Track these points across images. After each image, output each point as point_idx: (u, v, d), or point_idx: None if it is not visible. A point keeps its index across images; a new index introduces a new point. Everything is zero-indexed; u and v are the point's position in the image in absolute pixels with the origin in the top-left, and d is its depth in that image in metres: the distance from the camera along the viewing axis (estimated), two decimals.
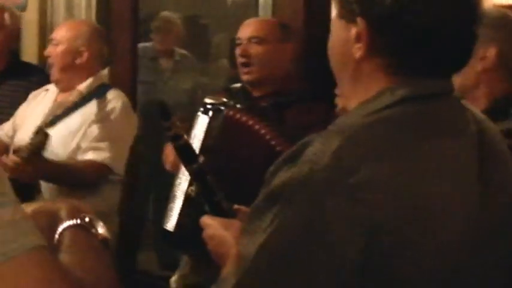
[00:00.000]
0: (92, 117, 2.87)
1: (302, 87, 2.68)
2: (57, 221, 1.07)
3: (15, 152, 2.71)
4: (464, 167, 1.21)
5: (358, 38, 1.21)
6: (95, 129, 2.84)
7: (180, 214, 2.05)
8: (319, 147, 1.11)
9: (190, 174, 1.75)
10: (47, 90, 3.18)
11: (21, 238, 0.90)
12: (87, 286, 0.95)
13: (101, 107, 2.90)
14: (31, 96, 3.21)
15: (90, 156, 2.82)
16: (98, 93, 2.95)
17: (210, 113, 2.21)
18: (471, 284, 1.19)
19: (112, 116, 2.90)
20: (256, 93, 2.64)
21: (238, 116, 2.23)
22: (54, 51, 3.00)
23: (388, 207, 1.09)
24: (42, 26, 4.36)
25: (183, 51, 4.50)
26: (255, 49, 2.57)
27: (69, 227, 1.06)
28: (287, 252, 1.09)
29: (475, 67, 1.94)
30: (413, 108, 1.19)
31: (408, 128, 1.18)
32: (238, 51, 2.63)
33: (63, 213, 1.08)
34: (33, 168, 2.64)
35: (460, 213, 1.18)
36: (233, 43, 2.81)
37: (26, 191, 2.63)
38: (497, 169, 1.26)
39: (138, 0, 3.82)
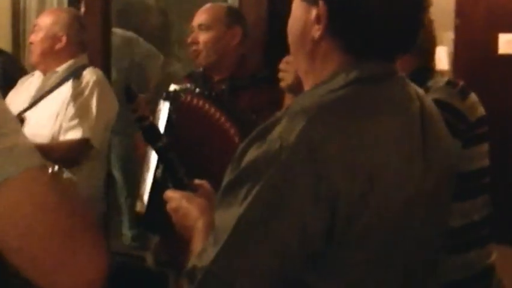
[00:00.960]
0: (68, 96, 2.97)
1: (259, 69, 2.78)
2: None
3: None
4: (411, 141, 1.30)
5: (317, 20, 1.29)
6: (71, 108, 2.94)
7: (149, 197, 2.13)
8: (287, 126, 1.19)
9: (155, 152, 1.85)
10: (33, 75, 3.27)
11: (22, 159, 1.03)
12: (78, 202, 1.09)
13: (76, 85, 3.01)
14: (19, 82, 3.30)
15: (69, 136, 2.92)
16: (75, 73, 3.04)
17: (171, 100, 2.33)
18: (414, 241, 1.31)
19: (86, 91, 3.00)
20: (215, 77, 2.76)
21: (194, 101, 2.33)
22: (35, 38, 3.10)
23: (347, 180, 1.18)
24: (16, 13, 4.41)
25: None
26: (202, 36, 2.69)
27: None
28: (262, 222, 1.17)
29: None
30: (365, 88, 1.29)
31: (362, 106, 1.27)
32: (189, 38, 2.76)
33: None
34: None
35: (405, 180, 1.27)
36: None
37: None
38: (435, 143, 1.37)
39: None
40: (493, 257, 2.15)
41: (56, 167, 1.21)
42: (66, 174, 1.24)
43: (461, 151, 2.02)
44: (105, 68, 3.78)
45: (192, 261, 1.24)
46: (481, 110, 2.17)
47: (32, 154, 1.06)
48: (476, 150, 2.11)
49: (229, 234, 1.19)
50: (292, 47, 1.38)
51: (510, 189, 6.07)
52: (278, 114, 1.25)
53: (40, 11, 4.36)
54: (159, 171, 2.12)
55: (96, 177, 3.06)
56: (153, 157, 2.16)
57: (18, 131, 1.08)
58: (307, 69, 1.35)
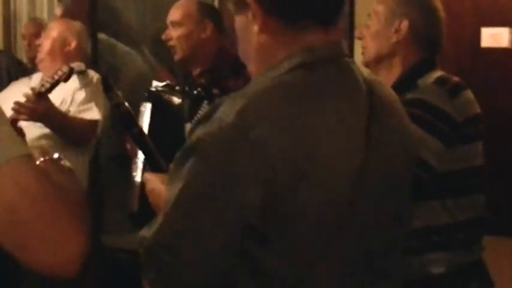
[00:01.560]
0: (76, 86, 3.15)
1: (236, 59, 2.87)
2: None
3: (33, 89, 2.94)
4: (353, 124, 1.34)
5: (254, 17, 1.37)
6: (80, 95, 3.20)
7: (140, 195, 2.21)
8: (227, 108, 1.27)
9: (131, 137, 1.97)
10: (30, 78, 3.45)
11: (6, 149, 1.11)
12: (65, 189, 1.17)
13: (82, 78, 3.26)
14: (12, 84, 3.46)
15: (86, 116, 3.18)
16: (77, 72, 3.22)
17: (152, 99, 2.47)
18: (359, 224, 1.34)
19: (94, 81, 3.25)
20: (194, 71, 2.86)
21: (165, 96, 2.47)
22: (44, 39, 3.32)
23: (281, 161, 1.24)
24: (6, 17, 4.52)
25: None
26: (175, 33, 2.82)
27: (42, 161, 1.28)
28: (201, 194, 1.26)
29: (390, 38, 2.14)
30: (307, 73, 1.33)
31: (302, 90, 1.32)
32: (163, 35, 2.91)
33: (36, 153, 1.29)
34: (42, 107, 2.86)
35: (346, 162, 1.31)
36: None
37: None
38: (384, 124, 1.39)
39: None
40: (478, 256, 2.16)
41: (56, 155, 1.31)
42: (64, 162, 1.32)
43: (444, 150, 2.01)
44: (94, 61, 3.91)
45: (142, 232, 1.33)
46: (473, 109, 2.13)
47: (16, 144, 1.15)
48: (462, 150, 2.08)
49: (170, 206, 1.27)
50: (243, 52, 1.45)
51: (496, 182, 6.21)
52: (223, 97, 1.33)
53: (31, 14, 4.48)
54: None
55: (80, 166, 3.19)
56: (141, 157, 2.27)
57: (2, 123, 1.15)
58: (256, 65, 1.42)
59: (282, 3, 1.34)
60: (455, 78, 2.16)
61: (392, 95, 1.50)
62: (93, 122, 3.15)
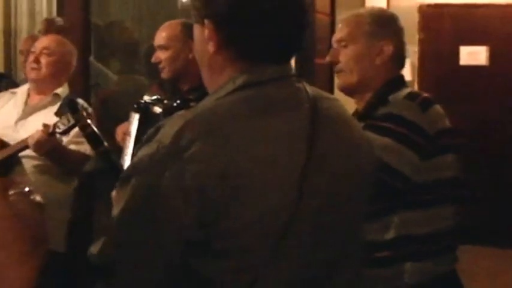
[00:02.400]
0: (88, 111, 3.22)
1: None
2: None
3: (45, 126, 2.99)
4: (292, 141, 1.33)
5: (210, 37, 1.37)
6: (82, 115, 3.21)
7: None
8: (167, 129, 1.29)
9: (97, 155, 2.12)
10: (14, 93, 3.50)
11: None
12: (24, 219, 1.22)
13: (82, 107, 3.27)
14: None
15: (81, 149, 3.19)
16: (72, 97, 3.32)
17: (141, 111, 2.64)
18: (297, 236, 1.33)
19: (91, 117, 3.27)
20: (183, 87, 2.97)
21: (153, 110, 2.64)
22: (45, 59, 3.36)
23: (213, 178, 1.25)
24: (7, 33, 4.65)
25: None
26: (163, 55, 2.96)
27: (12, 194, 1.27)
28: (139, 215, 1.30)
29: (374, 61, 2.16)
30: (249, 93, 1.34)
31: (240, 110, 1.32)
32: (153, 58, 3.01)
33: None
34: (49, 145, 3.01)
35: (283, 182, 1.31)
36: None
37: (8, 162, 3.03)
38: (328, 140, 1.38)
39: (90, 11, 4.16)
40: (452, 266, 2.19)
41: (27, 189, 1.33)
42: (36, 197, 1.37)
43: (419, 163, 2.02)
44: (85, 89, 4.06)
45: (91, 249, 1.36)
46: (444, 122, 2.13)
47: None
48: (437, 162, 2.09)
49: (115, 223, 1.32)
50: (199, 65, 1.46)
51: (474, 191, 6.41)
52: (167, 119, 1.36)
53: (31, 30, 4.62)
54: None
55: (64, 185, 3.32)
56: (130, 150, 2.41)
57: None
58: (209, 82, 1.43)
59: (239, 40, 1.36)
60: (425, 94, 2.18)
61: (342, 109, 1.49)
62: (87, 156, 3.24)
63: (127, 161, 2.50)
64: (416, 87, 6.33)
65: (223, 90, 1.37)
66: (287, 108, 1.36)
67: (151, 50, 3.15)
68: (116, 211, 1.32)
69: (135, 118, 2.67)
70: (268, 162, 1.30)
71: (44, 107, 3.32)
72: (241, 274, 1.31)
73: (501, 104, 6.06)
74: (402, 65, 2.26)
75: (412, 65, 6.04)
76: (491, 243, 5.80)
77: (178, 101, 2.68)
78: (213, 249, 1.29)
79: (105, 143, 2.08)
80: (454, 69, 6.39)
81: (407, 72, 5.79)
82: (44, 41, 3.43)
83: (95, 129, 2.16)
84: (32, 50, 3.42)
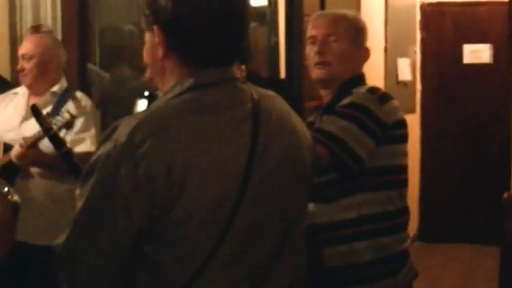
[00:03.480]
0: (73, 112, 3.28)
1: None
2: None
3: (25, 139, 3.04)
4: (235, 138, 1.44)
5: (158, 42, 1.45)
6: (77, 123, 3.23)
7: None
8: (122, 129, 1.38)
9: (60, 157, 2.19)
10: (16, 93, 3.59)
11: None
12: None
13: (77, 104, 3.33)
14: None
15: (81, 147, 3.21)
16: (68, 94, 3.38)
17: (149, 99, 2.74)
18: (243, 224, 1.42)
19: (88, 110, 3.35)
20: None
21: None
22: (27, 65, 3.42)
23: (162, 171, 1.35)
24: (13, 39, 4.73)
25: None
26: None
27: None
28: (96, 207, 1.40)
29: (355, 62, 2.35)
30: (195, 95, 1.44)
31: (186, 109, 1.42)
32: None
33: None
34: (32, 155, 3.05)
35: (228, 170, 1.41)
36: None
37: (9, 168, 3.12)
38: (269, 136, 1.48)
39: (88, 15, 4.23)
40: (406, 244, 2.34)
41: (6, 189, 1.49)
42: (14, 197, 1.51)
43: (374, 148, 2.19)
44: (81, 88, 4.13)
45: (57, 239, 1.46)
46: (399, 115, 2.32)
47: None
48: (390, 149, 2.28)
49: (76, 217, 1.43)
50: (150, 70, 1.53)
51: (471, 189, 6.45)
52: (122, 118, 1.44)
53: None
54: None
55: (62, 182, 3.32)
56: None
57: None
58: (160, 85, 1.52)
59: (184, 44, 1.45)
60: (383, 90, 2.39)
61: (283, 106, 1.60)
62: (86, 155, 3.16)
63: None
64: (418, 87, 6.39)
65: (171, 92, 1.46)
66: (230, 108, 1.46)
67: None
68: (78, 205, 1.42)
69: (142, 104, 2.74)
70: (212, 157, 1.39)
71: (44, 106, 3.39)
72: (188, 261, 1.40)
73: (506, 101, 6.11)
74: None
75: (413, 65, 6.07)
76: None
77: None
78: (161, 239, 1.39)
79: (67, 145, 2.18)
80: (458, 68, 6.45)
81: (408, 72, 5.83)
82: (21, 48, 3.48)
83: (57, 132, 2.25)
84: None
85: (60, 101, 3.33)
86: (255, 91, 1.53)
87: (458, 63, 6.46)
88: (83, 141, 3.24)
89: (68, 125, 3.00)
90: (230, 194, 1.40)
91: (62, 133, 3.24)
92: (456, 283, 5.25)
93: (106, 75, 4.50)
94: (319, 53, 2.33)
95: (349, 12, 2.48)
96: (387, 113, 2.24)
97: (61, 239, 1.45)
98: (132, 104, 2.80)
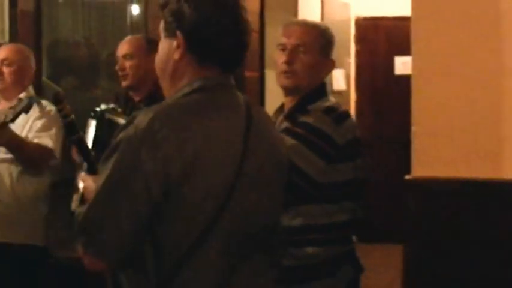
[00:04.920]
0: (35, 115, 3.52)
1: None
2: None
3: None
4: (233, 133, 1.71)
5: (178, 46, 1.72)
6: (38, 123, 3.52)
7: (81, 197, 2.34)
8: (141, 118, 1.64)
9: (72, 142, 2.42)
10: None
11: None
12: None
13: (41, 108, 3.57)
14: None
15: (36, 141, 3.49)
16: (33, 100, 3.46)
17: (96, 118, 2.96)
18: (239, 208, 1.68)
19: (51, 114, 3.56)
20: (136, 97, 3.30)
21: (108, 116, 2.98)
22: (7, 70, 3.60)
23: (177, 155, 1.61)
24: None
25: None
26: (128, 64, 3.26)
27: None
28: (119, 181, 1.62)
29: (320, 74, 2.48)
30: (202, 95, 1.71)
31: (196, 107, 1.69)
32: (117, 66, 3.33)
33: None
34: (6, 136, 3.26)
35: (226, 163, 1.67)
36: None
37: None
38: (259, 136, 1.76)
39: (41, 28, 4.43)
40: (351, 246, 2.53)
41: None
42: None
43: (325, 167, 2.33)
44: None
45: (78, 209, 1.70)
46: (354, 133, 2.45)
47: None
48: (342, 167, 2.41)
49: (99, 189, 1.65)
50: (159, 72, 1.80)
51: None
52: (138, 111, 1.72)
53: None
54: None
55: (39, 180, 3.58)
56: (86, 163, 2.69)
57: None
58: (169, 86, 1.77)
59: (202, 48, 1.72)
60: (342, 108, 2.50)
61: (266, 114, 1.91)
62: (47, 148, 3.49)
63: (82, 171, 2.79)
64: (352, 97, 6.72)
65: (181, 92, 1.72)
66: (229, 109, 1.74)
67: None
68: (100, 179, 1.65)
69: (92, 124, 2.96)
70: (215, 148, 1.66)
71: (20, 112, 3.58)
72: (189, 237, 1.64)
73: None
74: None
75: (347, 76, 6.39)
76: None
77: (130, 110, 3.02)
78: (168, 214, 1.64)
79: (80, 133, 2.41)
80: (390, 79, 6.75)
81: (342, 83, 6.17)
82: (2, 53, 3.67)
83: (73, 120, 2.46)
84: None
85: (26, 104, 3.52)
86: (245, 97, 1.80)
87: (390, 74, 6.77)
88: (44, 137, 3.47)
89: (27, 109, 3.22)
90: (228, 178, 1.66)
91: (23, 129, 3.44)
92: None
93: (58, 88, 4.70)
94: (287, 62, 2.44)
95: (321, 22, 2.65)
96: (341, 134, 2.37)
97: (82, 208, 1.67)
98: (77, 111, 3.02)
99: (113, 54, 3.58)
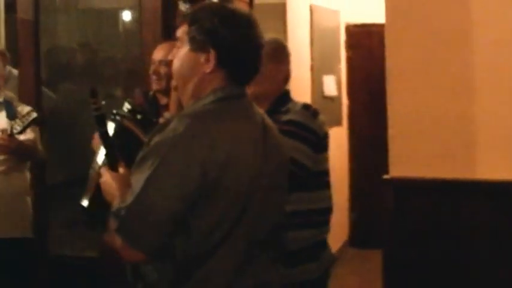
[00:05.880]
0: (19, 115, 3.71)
1: None
2: None
3: (3, 131, 3.50)
4: (255, 138, 1.91)
5: (207, 60, 1.90)
6: (32, 114, 3.66)
7: (94, 191, 2.44)
8: (177, 124, 1.82)
9: (100, 134, 2.54)
10: None
11: None
12: None
13: (21, 109, 3.75)
14: None
15: (23, 137, 3.66)
16: (10, 100, 3.79)
17: (114, 122, 3.08)
18: (258, 206, 1.89)
19: (31, 115, 3.69)
20: (162, 101, 3.43)
21: (126, 124, 3.08)
22: None
23: (211, 158, 1.79)
24: None
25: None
26: (163, 69, 3.39)
27: None
28: (161, 180, 1.79)
29: (274, 82, 2.77)
30: (226, 104, 1.91)
31: (223, 115, 1.89)
32: (151, 70, 3.45)
33: None
34: (14, 145, 3.49)
35: (251, 164, 1.87)
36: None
37: None
38: (272, 141, 1.98)
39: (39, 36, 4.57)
40: (325, 235, 2.82)
41: None
42: None
43: (314, 156, 2.66)
44: (37, 102, 4.48)
45: (116, 205, 1.87)
46: (326, 128, 2.79)
47: None
48: (323, 156, 2.76)
49: (141, 186, 1.81)
50: (181, 80, 1.98)
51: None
52: (170, 118, 1.95)
53: None
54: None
55: (20, 174, 3.79)
56: (100, 156, 2.78)
57: None
58: (191, 94, 1.95)
59: (231, 65, 1.92)
60: (313, 107, 2.83)
61: (271, 121, 2.10)
62: (32, 140, 3.73)
63: (98, 162, 2.90)
64: (344, 102, 6.84)
65: (206, 99, 1.91)
66: (248, 117, 1.95)
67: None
68: (138, 181, 1.82)
69: (111, 126, 3.06)
70: (243, 154, 1.86)
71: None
72: (217, 228, 1.83)
73: None
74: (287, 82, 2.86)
75: (338, 81, 6.45)
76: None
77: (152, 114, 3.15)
78: (201, 209, 1.81)
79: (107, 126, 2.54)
80: (384, 84, 6.94)
81: (333, 88, 6.27)
82: None
83: (104, 113, 2.60)
84: None
85: (7, 106, 3.71)
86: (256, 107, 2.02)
87: (384, 80, 6.94)
88: (26, 134, 3.67)
89: (37, 121, 3.49)
90: (253, 177, 1.86)
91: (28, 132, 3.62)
92: None
93: (52, 94, 4.84)
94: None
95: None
96: (319, 126, 2.71)
97: (122, 203, 1.84)
98: (76, 115, 3.09)
99: (108, 59, 3.66)
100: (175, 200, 1.80)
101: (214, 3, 2.04)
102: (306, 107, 2.76)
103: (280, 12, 5.03)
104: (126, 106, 3.19)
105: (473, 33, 2.82)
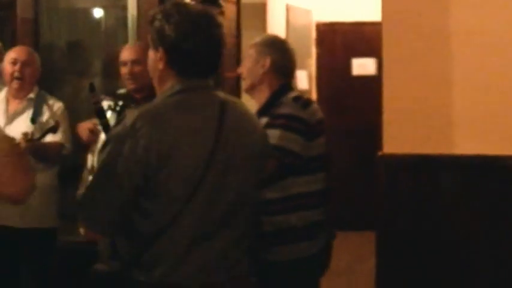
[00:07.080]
0: (47, 113, 3.89)
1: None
2: None
3: (25, 134, 3.62)
4: (205, 128, 1.99)
5: (160, 58, 2.03)
6: (51, 122, 3.84)
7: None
8: (129, 117, 1.97)
9: (100, 124, 2.77)
10: None
11: None
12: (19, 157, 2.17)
13: (49, 107, 3.92)
14: None
15: (48, 139, 3.79)
16: (41, 98, 3.94)
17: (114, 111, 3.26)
18: (209, 191, 1.99)
19: (59, 113, 3.92)
20: (137, 96, 3.52)
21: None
22: (26, 70, 3.89)
23: (153, 150, 1.92)
24: None
25: None
26: (137, 68, 3.49)
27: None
28: (109, 169, 1.96)
29: (258, 71, 2.93)
30: (181, 96, 2.01)
31: (173, 107, 1.99)
32: (124, 70, 3.55)
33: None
34: (32, 147, 3.60)
35: (198, 154, 1.97)
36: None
37: None
38: (230, 130, 2.03)
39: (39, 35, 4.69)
40: (322, 216, 2.94)
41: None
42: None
43: (305, 143, 2.79)
44: None
45: (79, 191, 2.15)
46: (319, 115, 2.93)
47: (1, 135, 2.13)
48: (316, 142, 2.87)
49: (94, 176, 2.05)
50: (151, 76, 2.11)
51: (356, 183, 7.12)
52: (128, 110, 2.26)
53: None
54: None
55: (51, 169, 3.95)
56: (94, 152, 2.95)
57: None
58: (158, 89, 2.09)
59: (180, 62, 2.03)
60: (306, 96, 3.03)
61: (242, 110, 2.15)
62: (59, 144, 3.84)
63: (89, 160, 3.09)
64: (314, 96, 7.18)
65: (164, 94, 2.04)
66: (203, 108, 2.03)
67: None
68: (97, 168, 2.05)
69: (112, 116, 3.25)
70: (188, 143, 1.97)
71: (23, 111, 3.91)
72: (168, 208, 1.97)
73: None
74: (286, 75, 3.02)
75: (309, 76, 6.80)
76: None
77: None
78: (151, 192, 1.96)
79: (107, 118, 2.76)
80: (347, 79, 7.23)
81: (305, 82, 6.63)
82: (22, 55, 3.93)
83: (103, 106, 2.82)
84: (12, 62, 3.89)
85: (36, 106, 3.91)
86: (223, 96, 2.12)
87: (348, 75, 7.24)
88: (54, 135, 3.82)
89: (54, 129, 3.65)
90: (199, 164, 1.98)
91: (48, 137, 3.82)
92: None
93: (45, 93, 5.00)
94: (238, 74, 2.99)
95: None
96: (310, 114, 2.86)
97: (82, 190, 2.10)
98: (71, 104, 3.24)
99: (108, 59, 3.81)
100: (121, 186, 1.95)
101: (172, 2, 2.10)
102: (296, 98, 2.90)
103: (261, 13, 5.36)
104: (120, 91, 3.44)
105: (452, 39, 3.29)
